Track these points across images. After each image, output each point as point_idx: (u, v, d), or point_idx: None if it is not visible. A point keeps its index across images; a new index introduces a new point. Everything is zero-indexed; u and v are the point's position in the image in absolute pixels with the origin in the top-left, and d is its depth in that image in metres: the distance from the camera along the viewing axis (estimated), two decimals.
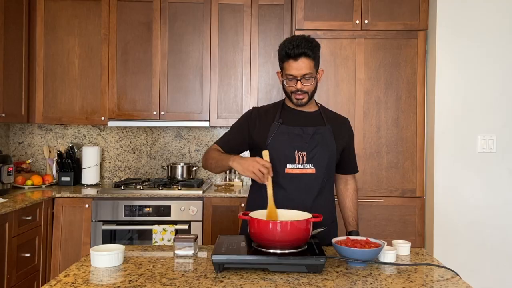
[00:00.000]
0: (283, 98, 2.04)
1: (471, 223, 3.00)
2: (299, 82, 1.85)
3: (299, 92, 1.87)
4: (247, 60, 3.49)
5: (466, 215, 3.00)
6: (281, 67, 1.91)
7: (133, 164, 3.82)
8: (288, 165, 1.86)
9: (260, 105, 3.33)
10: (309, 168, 1.87)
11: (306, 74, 1.84)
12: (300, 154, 1.87)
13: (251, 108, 2.07)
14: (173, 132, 3.82)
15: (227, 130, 2.06)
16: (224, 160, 1.85)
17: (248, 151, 2.06)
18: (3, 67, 3.12)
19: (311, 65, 1.85)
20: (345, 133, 2.03)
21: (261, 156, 1.80)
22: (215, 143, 2.02)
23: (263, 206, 1.83)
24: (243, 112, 3.41)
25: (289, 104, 1.98)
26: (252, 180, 2.04)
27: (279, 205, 1.72)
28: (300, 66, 1.83)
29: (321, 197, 1.92)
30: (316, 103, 2.03)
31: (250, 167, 1.71)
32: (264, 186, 1.89)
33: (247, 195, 2.10)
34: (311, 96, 1.92)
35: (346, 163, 2.06)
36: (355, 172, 2.13)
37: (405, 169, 3.12)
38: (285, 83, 1.90)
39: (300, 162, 1.87)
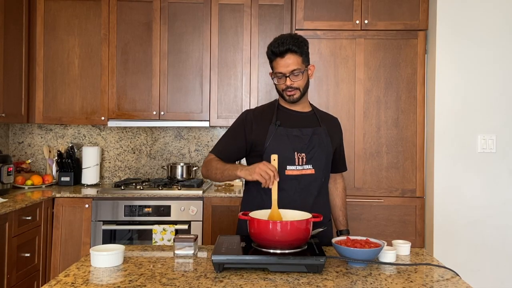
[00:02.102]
0: (277, 98, 2.04)
1: (471, 223, 3.00)
2: (288, 78, 1.86)
3: (289, 89, 1.88)
4: (247, 60, 3.49)
5: (466, 215, 3.00)
6: (271, 67, 1.93)
7: (133, 164, 3.82)
8: (288, 167, 1.86)
9: (260, 105, 3.35)
10: (309, 169, 1.88)
11: (294, 70, 1.85)
12: (300, 156, 1.87)
13: (244, 111, 2.05)
14: (173, 132, 3.82)
15: (223, 135, 2.03)
16: (230, 170, 1.83)
17: (244, 158, 2.03)
18: (3, 67, 3.12)
19: (298, 60, 1.86)
20: (337, 133, 2.05)
21: (259, 161, 1.81)
22: (211, 152, 1.99)
23: (258, 206, 1.82)
24: None
25: (284, 104, 1.98)
26: (247, 182, 2.03)
27: (279, 206, 1.72)
28: (287, 62, 1.85)
29: (320, 197, 1.93)
30: (309, 103, 2.04)
31: (256, 170, 1.69)
32: (263, 189, 1.89)
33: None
34: (303, 92, 1.91)
35: (336, 162, 2.07)
36: (344, 170, 2.15)
37: (405, 169, 3.12)
38: (275, 81, 1.91)
39: (300, 164, 1.87)
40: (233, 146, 1.96)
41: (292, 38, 1.85)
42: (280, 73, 1.86)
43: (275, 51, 1.85)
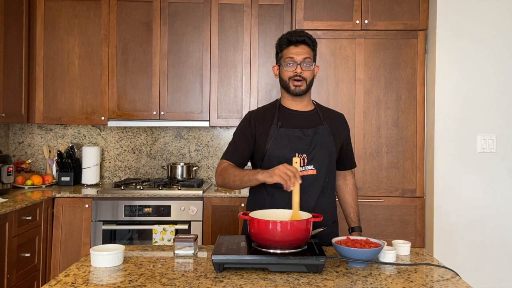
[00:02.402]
0: (278, 98, 2.04)
1: (471, 223, 3.00)
2: (299, 66, 1.87)
3: (297, 77, 1.88)
4: (247, 60, 3.49)
5: (466, 215, 3.00)
6: (280, 57, 1.94)
7: (133, 164, 3.82)
8: None
9: (260, 105, 3.35)
10: (310, 170, 1.87)
11: (306, 58, 1.88)
12: (301, 156, 1.86)
13: (247, 112, 2.04)
14: (173, 132, 3.82)
15: (230, 141, 2.01)
16: (250, 175, 1.77)
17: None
18: (3, 67, 3.12)
19: (310, 53, 1.91)
20: (342, 130, 2.03)
21: (261, 163, 1.84)
22: (222, 158, 1.94)
23: (264, 205, 1.82)
24: (243, 112, 3.45)
25: (285, 104, 1.97)
26: None
27: (281, 207, 1.72)
28: (300, 51, 1.89)
29: (323, 198, 1.92)
30: (312, 101, 2.03)
31: (276, 171, 1.65)
32: (266, 189, 1.88)
33: (247, 195, 2.09)
34: (308, 86, 1.91)
35: (344, 159, 2.06)
36: (353, 167, 2.13)
37: (405, 169, 3.12)
38: (284, 67, 1.90)
39: (301, 164, 1.85)
40: (244, 147, 1.93)
41: (307, 33, 1.93)
42: (292, 58, 1.88)
43: (292, 39, 1.89)
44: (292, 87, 1.89)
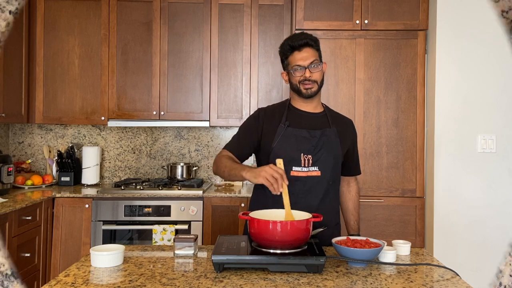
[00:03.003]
0: (287, 98, 2.03)
1: (471, 223, 3.00)
2: (307, 70, 1.86)
3: (307, 81, 1.87)
4: (247, 60, 3.49)
5: (466, 215, 3.00)
6: (286, 64, 1.92)
7: (133, 164, 3.82)
8: (294, 168, 1.85)
9: (260, 105, 3.35)
10: (315, 171, 1.86)
11: (313, 61, 1.87)
12: (306, 157, 1.86)
13: (256, 109, 2.04)
14: (173, 132, 3.82)
15: (236, 132, 2.02)
16: (237, 170, 1.79)
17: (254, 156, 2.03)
18: (3, 67, 3.12)
19: (315, 54, 1.89)
20: (349, 135, 2.02)
21: (267, 160, 1.82)
22: (224, 148, 1.97)
23: (266, 206, 1.82)
24: (243, 112, 3.45)
25: (295, 105, 1.97)
26: None
27: (284, 207, 1.72)
28: (305, 55, 1.87)
29: (327, 200, 1.91)
30: (322, 104, 2.03)
31: (262, 173, 1.64)
32: (268, 189, 1.88)
33: (248, 195, 2.09)
34: (319, 87, 1.91)
35: (349, 164, 2.05)
36: (357, 174, 2.12)
37: (405, 169, 3.12)
38: (292, 74, 1.89)
39: (306, 165, 1.86)
40: (245, 142, 1.95)
41: (307, 34, 1.90)
42: (299, 65, 1.86)
43: (294, 45, 1.87)
44: (304, 90, 1.89)
